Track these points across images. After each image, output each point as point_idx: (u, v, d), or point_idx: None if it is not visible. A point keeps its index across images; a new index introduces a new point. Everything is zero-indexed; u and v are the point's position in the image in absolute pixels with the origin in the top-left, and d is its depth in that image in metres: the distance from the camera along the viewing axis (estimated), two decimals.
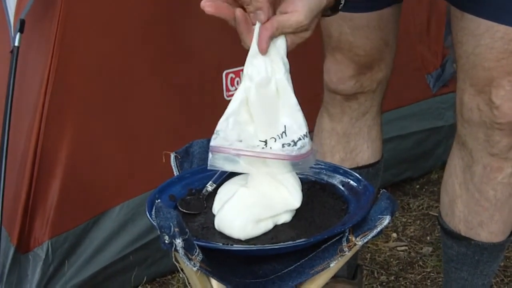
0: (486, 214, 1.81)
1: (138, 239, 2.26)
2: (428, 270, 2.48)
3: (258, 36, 1.23)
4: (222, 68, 2.35)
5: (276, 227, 1.28)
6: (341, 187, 1.38)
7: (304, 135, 1.25)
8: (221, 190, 1.34)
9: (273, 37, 1.24)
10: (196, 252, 1.16)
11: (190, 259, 1.16)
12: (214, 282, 1.29)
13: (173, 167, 1.46)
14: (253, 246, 1.22)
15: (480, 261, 1.87)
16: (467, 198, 1.82)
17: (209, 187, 1.39)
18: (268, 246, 1.22)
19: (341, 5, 1.32)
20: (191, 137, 1.53)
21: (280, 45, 1.25)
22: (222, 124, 1.26)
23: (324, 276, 1.28)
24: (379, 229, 1.25)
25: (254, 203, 1.26)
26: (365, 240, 1.24)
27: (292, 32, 1.25)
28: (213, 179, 1.41)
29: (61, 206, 2.10)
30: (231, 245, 1.23)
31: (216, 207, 1.31)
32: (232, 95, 2.36)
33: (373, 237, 1.25)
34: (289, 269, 1.27)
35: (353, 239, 1.24)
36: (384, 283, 2.43)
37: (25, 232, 2.08)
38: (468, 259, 1.87)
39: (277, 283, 1.25)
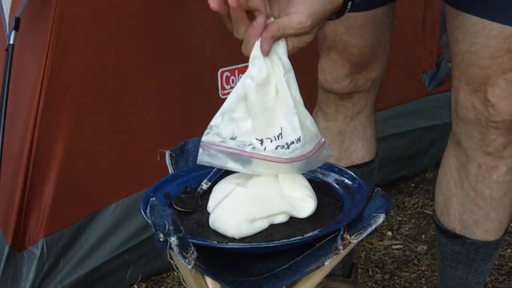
0: (481, 213, 1.81)
1: (133, 237, 2.26)
2: (423, 268, 2.48)
3: (261, 38, 1.23)
4: (217, 66, 2.35)
5: (271, 225, 1.28)
6: (336, 185, 1.38)
7: (297, 139, 1.25)
8: (216, 188, 1.34)
9: (274, 38, 1.24)
10: (190, 250, 1.16)
11: (184, 257, 1.16)
12: (208, 280, 1.29)
13: (168, 165, 1.46)
14: (247, 244, 1.23)
15: (475, 259, 1.87)
16: (462, 196, 1.82)
17: (204, 185, 1.39)
18: (262, 244, 1.22)
19: (347, 10, 1.32)
20: (186, 136, 1.53)
21: (279, 47, 1.25)
22: (216, 120, 1.26)
23: (319, 274, 1.28)
24: (373, 227, 1.25)
25: (249, 202, 1.26)
26: (359, 238, 1.24)
27: (294, 34, 1.24)
28: (208, 177, 1.41)
29: (56, 205, 2.10)
30: (225, 243, 1.23)
31: (211, 205, 1.31)
32: (228, 93, 2.37)
33: (368, 235, 1.25)
34: (283, 267, 1.27)
35: (348, 237, 1.24)
36: (379, 282, 2.43)
37: (20, 230, 2.08)
38: (463, 258, 1.87)
39: (271, 281, 1.25)
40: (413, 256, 2.54)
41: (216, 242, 1.23)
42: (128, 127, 2.23)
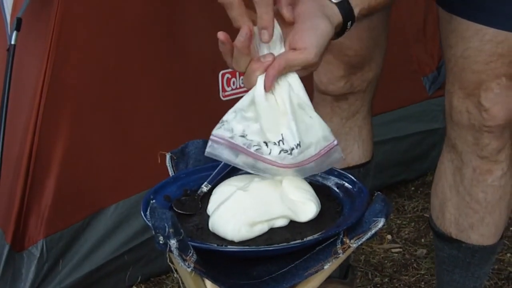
0: (477, 217, 1.81)
1: (133, 239, 2.26)
2: (422, 272, 2.48)
3: (265, 75, 1.23)
4: (218, 68, 2.35)
5: (270, 228, 1.28)
6: (335, 189, 1.38)
7: (296, 145, 1.25)
8: (216, 191, 1.34)
9: (280, 75, 1.24)
10: (190, 253, 1.16)
11: (184, 260, 1.16)
12: (208, 283, 1.29)
13: (169, 168, 1.46)
14: (247, 247, 1.22)
15: (471, 263, 1.87)
16: (458, 200, 1.82)
17: (205, 188, 1.39)
18: (262, 248, 1.22)
19: (347, 29, 1.32)
20: (187, 138, 1.53)
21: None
22: (229, 115, 1.27)
23: (318, 278, 1.28)
24: (373, 231, 1.25)
25: (250, 206, 1.26)
26: (359, 243, 1.24)
27: (300, 69, 1.25)
28: (208, 180, 1.40)
29: (56, 205, 2.10)
30: (225, 246, 1.23)
31: (210, 208, 1.31)
32: (228, 95, 2.38)
33: (368, 239, 1.25)
34: (283, 270, 1.26)
35: (348, 241, 1.24)
36: (378, 285, 2.43)
37: (20, 231, 2.08)
38: (459, 262, 1.88)
39: (271, 285, 1.25)
40: (413, 260, 2.54)
41: (215, 245, 1.23)
42: (129, 128, 2.23)
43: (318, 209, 1.30)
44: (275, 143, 1.25)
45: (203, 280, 1.27)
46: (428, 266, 2.50)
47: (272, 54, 1.24)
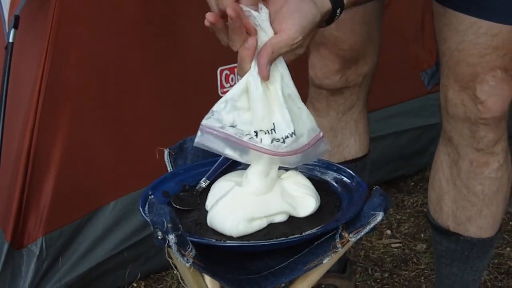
0: (474, 209, 1.82)
1: (132, 236, 2.26)
2: (422, 267, 2.48)
3: (258, 65, 1.23)
4: (216, 65, 2.35)
5: (269, 223, 1.28)
6: (334, 183, 1.38)
7: (291, 133, 1.25)
8: (214, 187, 1.34)
9: (271, 61, 1.24)
10: (189, 248, 1.16)
11: (183, 255, 1.16)
12: (207, 278, 1.29)
13: (167, 164, 1.46)
14: (246, 242, 1.23)
15: (469, 256, 1.87)
16: (455, 193, 1.82)
17: (203, 183, 1.39)
18: (261, 243, 1.22)
19: (336, 17, 1.32)
20: (186, 134, 1.53)
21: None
22: (219, 106, 1.27)
23: (317, 272, 1.28)
24: (372, 225, 1.25)
25: (248, 202, 1.26)
26: (358, 237, 1.25)
27: (289, 51, 1.25)
28: (206, 175, 1.41)
29: (55, 203, 2.10)
30: (224, 241, 1.23)
31: (209, 203, 1.31)
32: (227, 91, 2.37)
33: (366, 233, 1.25)
34: (282, 265, 1.27)
35: (346, 235, 1.24)
36: (378, 280, 2.43)
37: (19, 229, 2.08)
38: (457, 255, 1.88)
39: (270, 279, 1.25)
40: (412, 255, 2.54)
41: (214, 240, 1.23)
42: (127, 125, 2.23)
43: (318, 204, 1.30)
44: (265, 132, 1.25)
45: (202, 275, 1.27)
46: (428, 261, 2.50)
47: (254, 38, 1.23)
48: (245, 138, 1.25)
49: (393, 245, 2.59)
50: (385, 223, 2.69)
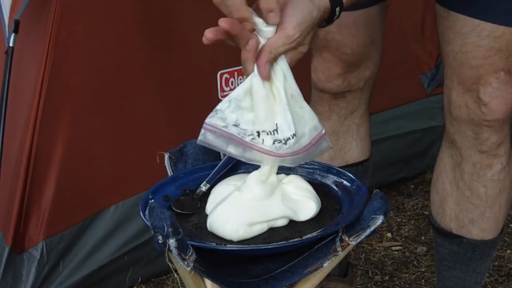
0: (477, 212, 1.82)
1: (133, 240, 2.26)
2: (423, 269, 2.48)
3: (257, 65, 1.24)
4: (216, 68, 2.36)
5: (270, 228, 1.28)
6: (334, 187, 1.38)
7: (292, 135, 1.25)
8: (214, 190, 1.34)
9: (271, 61, 1.24)
10: (189, 252, 1.16)
11: (183, 259, 1.16)
12: (208, 282, 1.29)
13: (167, 168, 1.47)
14: (246, 246, 1.23)
15: (472, 258, 1.87)
16: (458, 196, 1.83)
17: (203, 187, 1.40)
18: (261, 246, 1.23)
19: (336, 16, 1.32)
20: (186, 138, 1.53)
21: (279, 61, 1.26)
22: (223, 104, 1.27)
23: (318, 276, 1.28)
24: (372, 229, 1.25)
25: (248, 207, 1.26)
26: (358, 240, 1.25)
27: (288, 49, 1.25)
28: (207, 179, 1.41)
29: (56, 207, 2.10)
30: (224, 245, 1.23)
31: (209, 207, 1.31)
32: (227, 95, 2.38)
33: (366, 236, 1.25)
34: (282, 268, 1.27)
35: (347, 239, 1.24)
36: (378, 283, 2.43)
37: (20, 232, 2.08)
38: (460, 257, 1.88)
39: (270, 283, 1.25)
40: (413, 258, 2.54)
41: (214, 244, 1.23)
42: (128, 129, 2.23)
43: (319, 208, 1.31)
44: (268, 133, 1.26)
45: (203, 279, 1.27)
46: (428, 264, 2.50)
47: (255, 38, 1.24)
48: (248, 138, 1.26)
49: (393, 248, 2.59)
50: (385, 226, 2.69)
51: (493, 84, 1.68)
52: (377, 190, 1.29)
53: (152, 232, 1.16)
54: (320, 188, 1.37)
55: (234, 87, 2.38)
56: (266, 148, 1.26)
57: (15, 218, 2.07)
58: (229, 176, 1.39)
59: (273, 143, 1.26)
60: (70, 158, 2.12)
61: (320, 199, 1.33)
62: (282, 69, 1.26)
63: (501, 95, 1.69)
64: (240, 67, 2.47)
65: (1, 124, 2.01)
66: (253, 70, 1.25)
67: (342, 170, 1.40)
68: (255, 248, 1.23)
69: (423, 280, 2.44)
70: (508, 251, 2.56)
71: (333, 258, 1.25)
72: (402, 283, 2.43)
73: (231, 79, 2.38)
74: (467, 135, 1.76)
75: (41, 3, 2.06)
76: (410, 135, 2.86)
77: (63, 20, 2.04)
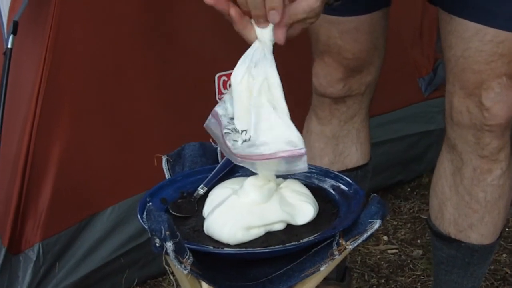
0: (476, 216, 1.82)
1: (129, 241, 2.26)
2: (419, 273, 2.49)
3: (274, 28, 1.24)
4: (214, 71, 2.36)
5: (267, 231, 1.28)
6: (332, 191, 1.39)
7: (243, 130, 1.26)
8: (211, 194, 1.34)
9: (287, 26, 1.25)
10: (187, 255, 1.17)
11: (181, 262, 1.16)
12: (204, 285, 1.29)
13: (165, 170, 1.47)
14: (243, 249, 1.23)
15: (470, 263, 1.87)
16: (457, 200, 1.83)
17: (201, 190, 1.40)
18: (258, 250, 1.23)
19: None
20: (183, 140, 1.54)
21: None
22: (227, 96, 1.28)
23: (315, 280, 1.29)
24: (369, 233, 1.25)
25: (246, 211, 1.26)
26: (355, 244, 1.25)
27: (305, 18, 1.26)
28: (204, 182, 1.41)
29: (52, 208, 2.10)
30: (221, 248, 1.23)
31: (206, 210, 1.31)
32: None
33: (364, 241, 1.26)
34: (279, 272, 1.27)
35: (344, 243, 1.25)
36: (374, 286, 2.44)
37: (16, 234, 2.08)
38: (458, 262, 1.88)
39: (267, 286, 1.25)
40: (409, 261, 2.55)
41: (212, 247, 1.23)
42: (125, 131, 2.23)
43: (316, 212, 1.31)
44: (241, 131, 1.26)
45: (200, 282, 1.27)
46: (424, 267, 2.50)
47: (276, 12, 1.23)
48: (224, 131, 1.27)
49: (389, 251, 2.60)
50: (381, 229, 2.70)
51: (495, 89, 1.68)
52: (375, 194, 1.30)
53: (150, 235, 1.16)
54: (317, 192, 1.37)
55: None
56: (227, 144, 1.27)
57: (11, 219, 2.07)
58: (226, 179, 1.39)
59: (233, 140, 1.26)
60: (67, 159, 2.12)
61: (318, 203, 1.33)
62: (266, 76, 1.26)
63: (503, 100, 1.69)
64: None
65: None
66: (255, 37, 1.25)
67: (340, 174, 1.40)
68: (252, 252, 1.23)
69: (419, 284, 2.44)
70: (504, 255, 2.56)
71: (330, 262, 1.25)
72: (398, 286, 2.43)
73: (229, 82, 2.38)
74: (468, 140, 1.76)
75: (40, 4, 2.06)
76: (407, 138, 2.86)
77: (61, 22, 2.04)
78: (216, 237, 1.25)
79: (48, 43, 2.04)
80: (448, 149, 1.82)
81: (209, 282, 1.23)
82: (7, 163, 2.08)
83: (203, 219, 1.30)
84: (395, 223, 2.76)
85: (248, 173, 1.34)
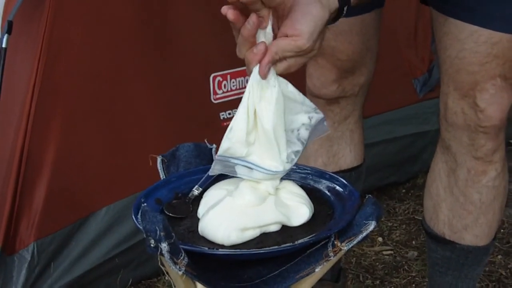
0: (471, 218, 1.82)
1: (124, 242, 2.25)
2: (413, 274, 2.49)
3: (260, 63, 1.23)
4: (209, 71, 2.36)
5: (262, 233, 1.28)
6: (327, 192, 1.38)
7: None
8: (206, 194, 1.34)
9: (273, 62, 1.23)
10: (181, 256, 1.16)
11: (175, 263, 1.16)
12: (199, 286, 1.29)
13: (160, 171, 1.46)
14: (238, 250, 1.23)
15: (465, 264, 1.88)
16: (452, 202, 1.83)
17: (196, 191, 1.39)
18: (253, 251, 1.22)
19: (343, 14, 1.32)
20: (179, 140, 1.53)
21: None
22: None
23: (310, 281, 1.28)
24: (364, 234, 1.25)
25: (241, 212, 1.26)
26: (350, 245, 1.25)
27: (294, 56, 1.24)
28: (199, 183, 1.41)
29: (47, 208, 2.10)
30: (216, 249, 1.23)
31: (201, 211, 1.31)
32: (219, 98, 2.38)
33: (359, 242, 1.26)
34: (274, 273, 1.27)
35: (339, 244, 1.24)
36: (369, 287, 2.43)
37: (10, 234, 2.08)
38: (453, 263, 1.88)
39: None
40: (404, 262, 2.55)
41: (207, 248, 1.23)
42: (120, 131, 2.23)
43: (311, 213, 1.31)
44: None
45: (195, 283, 1.27)
46: (419, 268, 2.50)
47: (264, 42, 1.23)
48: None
49: (384, 253, 2.60)
50: (376, 230, 2.70)
51: (490, 90, 1.68)
52: (370, 195, 1.29)
53: (145, 236, 1.16)
54: (312, 193, 1.37)
55: (227, 90, 2.38)
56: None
57: (6, 220, 2.06)
58: (221, 180, 1.38)
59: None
60: (61, 160, 2.12)
61: (313, 204, 1.33)
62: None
63: (497, 102, 1.69)
64: (233, 70, 2.48)
65: None
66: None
67: (335, 175, 1.40)
68: (247, 253, 1.23)
69: (413, 285, 2.44)
70: (499, 257, 2.57)
71: (325, 263, 1.25)
72: (392, 287, 2.43)
73: (224, 82, 2.38)
74: (462, 141, 1.76)
75: (34, 4, 2.06)
76: (402, 139, 2.86)
77: (56, 22, 2.04)
78: (211, 238, 1.25)
79: (43, 43, 2.04)
80: (442, 150, 1.82)
81: (203, 283, 1.23)
82: (1, 164, 2.08)
83: (197, 220, 1.30)
84: (390, 224, 2.76)
85: None
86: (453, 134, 1.76)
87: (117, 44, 2.18)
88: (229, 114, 2.36)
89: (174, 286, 1.30)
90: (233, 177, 1.38)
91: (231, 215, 1.25)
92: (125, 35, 2.19)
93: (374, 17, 1.84)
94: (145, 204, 1.29)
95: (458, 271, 1.89)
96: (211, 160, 1.48)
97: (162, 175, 1.46)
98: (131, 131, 2.25)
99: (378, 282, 2.46)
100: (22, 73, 2.09)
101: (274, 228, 1.28)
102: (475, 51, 1.65)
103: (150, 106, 2.26)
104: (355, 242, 1.25)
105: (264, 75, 1.23)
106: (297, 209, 1.30)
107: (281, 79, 1.27)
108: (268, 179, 1.28)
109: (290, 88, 1.28)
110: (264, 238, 1.26)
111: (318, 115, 1.30)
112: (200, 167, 1.45)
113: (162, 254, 1.15)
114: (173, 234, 1.15)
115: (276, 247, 1.23)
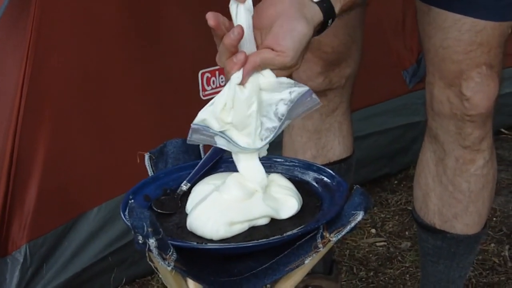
0: (461, 206, 1.82)
1: (117, 241, 2.25)
2: (407, 265, 2.49)
3: (242, 69, 1.23)
4: (198, 67, 2.36)
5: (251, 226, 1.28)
6: (315, 184, 1.38)
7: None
8: (194, 190, 1.34)
9: (255, 70, 1.23)
10: (170, 251, 1.16)
11: (164, 259, 1.16)
12: (189, 281, 1.29)
13: (148, 168, 1.46)
14: (227, 244, 1.22)
15: (456, 253, 1.88)
16: (441, 191, 1.83)
17: (184, 187, 1.39)
18: (242, 244, 1.22)
19: (328, 27, 1.32)
20: (168, 137, 1.53)
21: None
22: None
23: (300, 273, 1.29)
24: (352, 224, 1.25)
25: (228, 207, 1.26)
26: (339, 236, 1.25)
27: (277, 69, 1.24)
28: (187, 178, 1.40)
29: (38, 210, 2.10)
30: (205, 244, 1.23)
31: (189, 207, 1.31)
32: (209, 94, 2.38)
33: (347, 232, 1.25)
34: (264, 266, 1.27)
35: (327, 235, 1.24)
36: (363, 279, 2.44)
37: (2, 236, 2.07)
38: (444, 252, 1.88)
39: (252, 281, 1.25)
40: (397, 253, 2.55)
41: (195, 243, 1.23)
42: (110, 130, 2.23)
43: (300, 205, 1.31)
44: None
45: (185, 279, 1.27)
46: (413, 259, 2.51)
47: (243, 52, 1.23)
48: None
49: (377, 244, 2.60)
50: (369, 222, 2.70)
51: (475, 78, 1.68)
52: (357, 186, 1.29)
53: (132, 232, 1.16)
54: (300, 185, 1.36)
55: (216, 86, 2.38)
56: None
57: None
58: (209, 174, 1.38)
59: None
60: (52, 160, 2.11)
61: (301, 196, 1.33)
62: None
63: (483, 90, 1.69)
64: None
65: None
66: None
67: (322, 167, 1.40)
68: (236, 247, 1.23)
69: (407, 275, 2.45)
70: (492, 245, 2.57)
71: (314, 254, 1.24)
72: (386, 278, 2.44)
73: (212, 78, 2.38)
74: (449, 130, 1.76)
75: (21, 5, 2.06)
76: (393, 131, 2.87)
77: (42, 22, 2.04)
78: (199, 233, 1.25)
79: (30, 44, 2.04)
80: (430, 139, 1.83)
81: (193, 278, 1.23)
82: None
83: (186, 215, 1.30)
84: (382, 215, 2.76)
85: (231, 168, 1.34)
86: (440, 123, 1.77)
87: (104, 43, 2.18)
88: None
89: (165, 283, 1.30)
90: (221, 171, 1.39)
91: (219, 209, 1.25)
92: (111, 33, 2.19)
93: (359, 10, 1.84)
94: (132, 200, 1.29)
95: (450, 260, 1.89)
96: (199, 156, 1.48)
97: (150, 172, 1.45)
98: (121, 130, 2.25)
99: (372, 273, 2.46)
100: (9, 74, 2.09)
101: (263, 221, 1.28)
102: (459, 40, 1.65)
103: (139, 104, 2.26)
104: (343, 233, 1.25)
105: (244, 81, 1.23)
106: (285, 201, 1.30)
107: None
108: (244, 153, 1.28)
109: (264, 78, 1.28)
110: (252, 231, 1.26)
111: (300, 89, 1.28)
112: (188, 162, 1.45)
113: (150, 250, 1.15)
114: (160, 230, 1.15)
115: (265, 240, 1.23)
